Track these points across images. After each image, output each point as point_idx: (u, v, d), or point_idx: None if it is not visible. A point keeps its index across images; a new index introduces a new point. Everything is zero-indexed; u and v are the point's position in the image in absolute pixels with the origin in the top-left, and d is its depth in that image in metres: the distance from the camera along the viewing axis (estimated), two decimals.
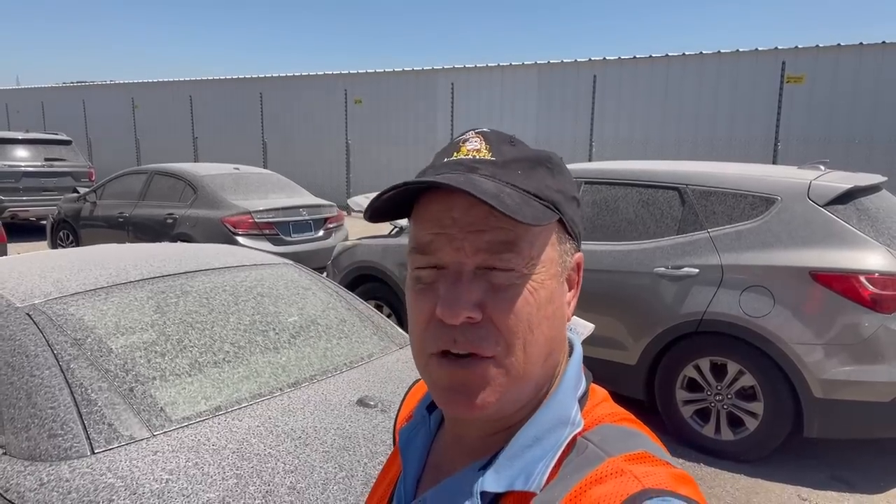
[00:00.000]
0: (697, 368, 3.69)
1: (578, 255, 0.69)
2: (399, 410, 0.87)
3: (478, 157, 0.63)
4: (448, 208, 0.60)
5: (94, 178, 12.19)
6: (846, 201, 3.53)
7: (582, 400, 0.65)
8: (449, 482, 0.64)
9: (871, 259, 3.27)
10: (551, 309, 0.62)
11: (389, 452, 1.53)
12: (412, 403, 0.83)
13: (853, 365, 3.24)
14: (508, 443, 0.62)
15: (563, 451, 0.61)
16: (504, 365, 0.60)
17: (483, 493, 0.60)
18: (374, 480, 0.77)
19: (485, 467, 0.62)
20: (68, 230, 8.71)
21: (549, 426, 0.62)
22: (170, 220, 7.16)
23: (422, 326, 0.62)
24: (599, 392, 0.69)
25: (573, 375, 0.66)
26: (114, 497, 1.44)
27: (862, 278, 3.23)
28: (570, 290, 0.68)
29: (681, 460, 3.56)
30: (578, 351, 0.69)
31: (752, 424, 3.53)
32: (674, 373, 3.74)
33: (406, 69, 16.58)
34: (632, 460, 0.58)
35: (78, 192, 8.94)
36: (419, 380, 0.88)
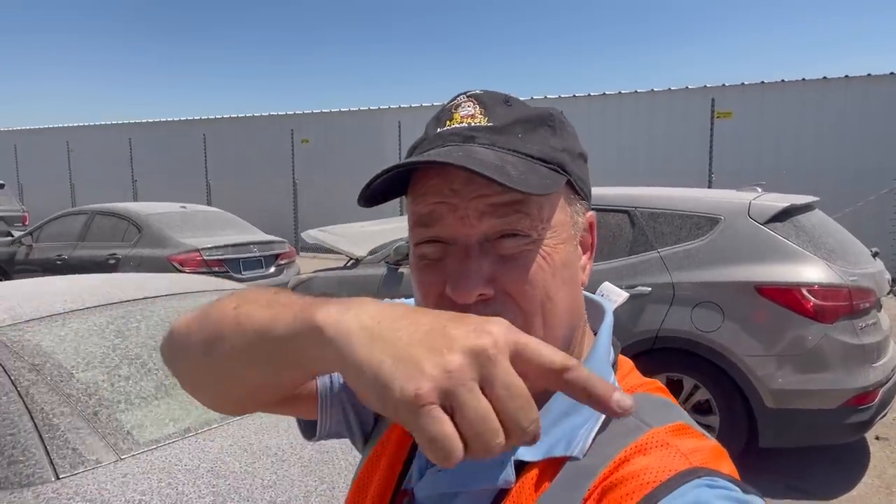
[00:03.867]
0: None
1: (590, 214, 0.66)
2: None
3: (473, 123, 0.59)
4: (447, 181, 0.57)
5: (27, 222, 11.70)
6: (784, 219, 3.72)
7: (613, 367, 0.64)
8: None
9: (811, 272, 3.45)
10: (567, 273, 0.60)
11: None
12: None
13: (801, 374, 3.38)
14: (541, 409, 0.58)
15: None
16: None
17: (515, 461, 0.58)
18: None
19: None
20: (1, 275, 8.30)
21: None
22: (112, 261, 6.92)
23: (431, 306, 0.58)
24: (627, 363, 0.68)
25: (606, 342, 0.64)
26: None
27: (804, 290, 3.40)
28: (584, 253, 0.64)
29: None
30: (609, 319, 0.67)
31: None
32: None
33: (353, 109, 16.73)
34: (673, 433, 0.56)
35: (12, 236, 8.55)
36: None
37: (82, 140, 20.61)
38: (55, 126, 21.80)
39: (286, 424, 1.85)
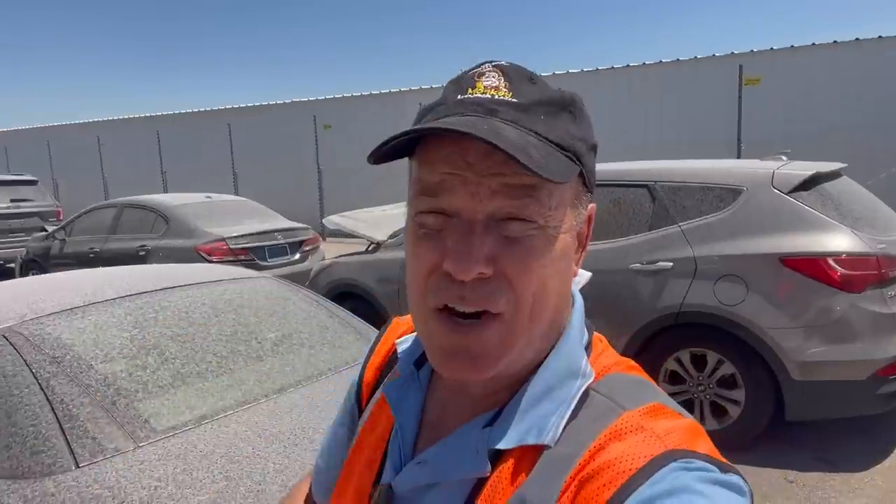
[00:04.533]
0: (678, 361, 3.73)
1: (591, 206, 0.64)
2: (372, 351, 0.82)
3: (497, 96, 0.56)
4: (463, 151, 0.55)
5: (61, 217, 11.99)
6: (809, 188, 3.63)
7: (587, 350, 0.63)
8: (451, 439, 0.61)
9: (837, 241, 3.37)
10: (564, 264, 0.59)
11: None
12: (389, 343, 0.79)
13: (828, 345, 3.31)
14: (514, 397, 0.59)
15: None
16: (510, 324, 0.56)
17: (490, 450, 0.58)
18: None
19: (489, 423, 0.59)
20: (38, 269, 8.54)
21: (559, 378, 0.59)
22: (142, 252, 7.07)
23: (423, 277, 0.57)
24: (600, 340, 0.67)
25: (578, 325, 0.64)
26: None
27: (830, 260, 3.32)
28: (579, 246, 0.63)
29: None
30: (580, 300, 0.66)
31: (734, 412, 3.57)
32: (655, 366, 3.78)
33: (373, 93, 16.71)
34: (648, 414, 0.55)
35: (46, 231, 8.79)
36: (394, 319, 0.84)
37: (112, 134, 21.02)
38: (86, 121, 22.24)
39: (298, 410, 1.89)
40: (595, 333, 0.67)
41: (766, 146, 10.41)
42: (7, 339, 1.89)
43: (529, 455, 0.57)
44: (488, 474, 0.57)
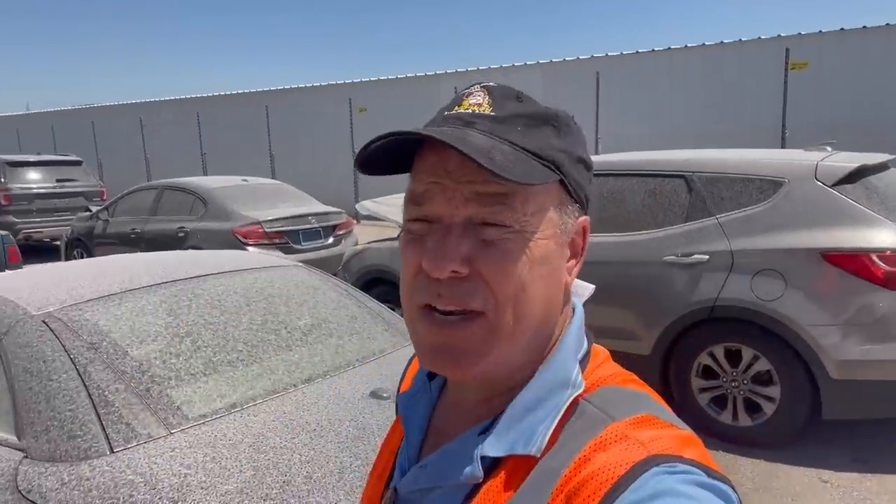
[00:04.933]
0: (712, 355, 3.67)
1: (583, 219, 0.65)
2: (402, 380, 0.86)
3: (478, 111, 0.60)
4: (443, 161, 0.59)
5: (105, 197, 12.33)
6: (854, 180, 3.50)
7: (583, 361, 0.64)
8: (449, 447, 0.63)
9: (882, 237, 3.25)
10: (547, 270, 0.60)
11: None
12: (413, 372, 0.82)
13: (869, 344, 3.21)
14: (508, 406, 0.61)
15: (564, 414, 0.59)
16: (492, 324, 0.58)
17: (483, 458, 0.59)
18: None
19: (485, 431, 0.61)
20: (82, 248, 8.81)
21: (550, 388, 0.61)
22: (181, 234, 7.23)
23: (410, 278, 0.61)
24: (601, 352, 0.67)
25: (574, 337, 0.65)
26: (133, 493, 1.46)
27: (874, 256, 3.21)
28: (573, 256, 0.65)
29: None
30: (580, 312, 0.67)
31: (769, 409, 3.50)
32: (688, 361, 3.72)
33: (409, 76, 16.67)
34: (635, 424, 0.56)
35: (90, 211, 9.04)
36: None
37: (154, 116, 21.44)
38: (128, 102, 22.71)
39: (325, 400, 1.91)
40: (595, 346, 0.67)
41: (811, 133, 10.10)
42: (47, 325, 1.95)
43: (523, 465, 0.58)
44: (481, 480, 0.59)
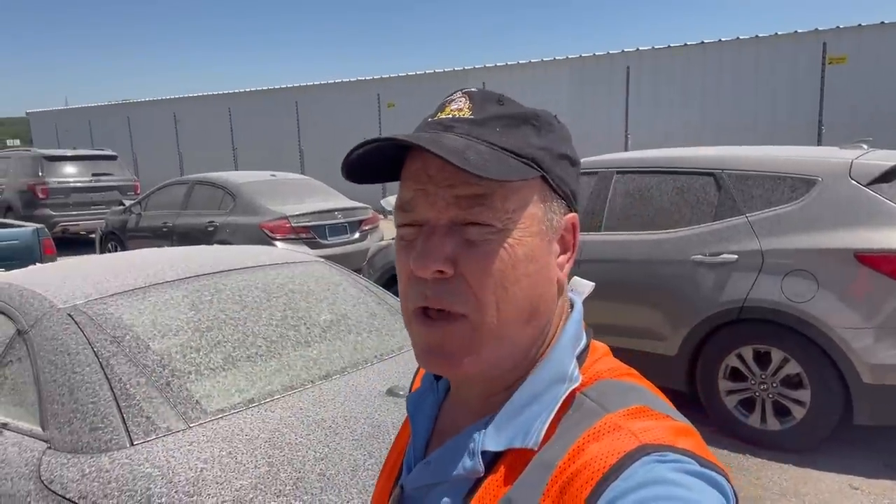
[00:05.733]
0: (740, 357, 3.59)
1: (571, 215, 0.66)
2: (412, 382, 0.88)
3: (458, 115, 0.62)
4: (425, 166, 0.60)
5: (139, 192, 12.57)
6: (890, 179, 3.40)
7: (581, 356, 0.65)
8: (451, 442, 0.65)
9: None
10: (532, 267, 0.61)
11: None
12: (423, 373, 0.84)
13: None
14: (507, 402, 0.62)
15: (561, 408, 0.60)
16: (476, 323, 0.59)
17: (483, 452, 0.61)
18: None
19: (485, 426, 0.62)
20: (116, 242, 9.00)
21: (547, 383, 0.62)
22: (210, 228, 7.33)
23: (404, 283, 0.63)
24: (600, 348, 0.68)
25: (571, 333, 0.65)
26: (151, 486, 1.48)
27: None
28: (563, 252, 0.66)
29: (725, 451, 3.48)
30: (578, 308, 0.68)
31: (799, 413, 3.42)
32: (715, 362, 3.65)
33: (437, 71, 16.65)
34: (629, 415, 0.56)
35: (124, 205, 9.23)
36: None
37: (187, 111, 21.78)
38: (163, 98, 23.11)
39: (342, 397, 1.91)
40: (595, 341, 0.68)
41: (848, 130, 9.83)
42: (73, 318, 1.99)
43: (521, 458, 0.59)
44: (482, 475, 0.61)
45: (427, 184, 0.60)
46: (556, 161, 0.64)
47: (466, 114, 0.62)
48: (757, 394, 3.55)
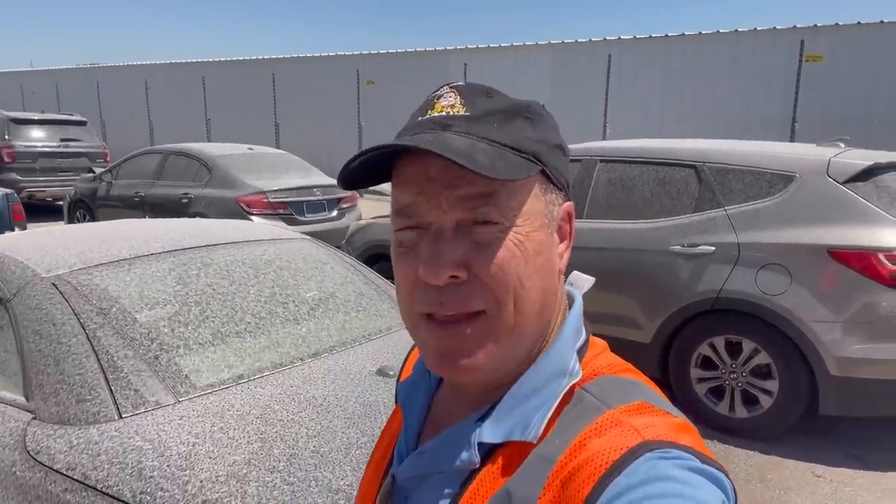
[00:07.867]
0: (712, 346, 3.69)
1: (567, 204, 0.66)
2: (401, 370, 0.87)
3: (451, 112, 0.60)
4: (424, 169, 0.59)
5: (108, 159, 12.27)
6: (866, 178, 3.49)
7: (581, 351, 0.65)
8: (448, 433, 0.64)
9: (890, 236, 3.25)
10: (541, 261, 0.61)
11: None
12: (414, 360, 0.83)
13: (870, 343, 3.23)
14: (507, 394, 0.62)
15: (561, 403, 0.60)
16: (495, 322, 0.59)
17: (480, 444, 0.60)
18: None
19: (483, 418, 0.62)
20: (84, 210, 8.80)
21: (547, 377, 0.61)
22: (185, 200, 7.21)
23: (408, 290, 0.61)
24: (599, 343, 0.68)
25: (572, 327, 0.65)
26: (142, 459, 1.47)
27: (881, 256, 3.21)
28: (561, 241, 0.66)
29: None
30: (579, 303, 0.68)
31: (766, 402, 3.53)
32: (688, 351, 3.74)
33: (418, 49, 16.51)
34: (630, 411, 0.57)
35: (94, 172, 9.00)
36: None
37: (159, 78, 21.24)
38: (134, 63, 22.49)
39: (333, 375, 1.92)
40: (594, 336, 0.68)
41: (821, 128, 10.03)
42: (56, 287, 1.95)
43: (519, 451, 0.59)
44: (478, 466, 0.60)
45: (428, 186, 0.58)
46: (552, 152, 0.63)
47: (460, 110, 0.60)
48: (727, 382, 3.65)
